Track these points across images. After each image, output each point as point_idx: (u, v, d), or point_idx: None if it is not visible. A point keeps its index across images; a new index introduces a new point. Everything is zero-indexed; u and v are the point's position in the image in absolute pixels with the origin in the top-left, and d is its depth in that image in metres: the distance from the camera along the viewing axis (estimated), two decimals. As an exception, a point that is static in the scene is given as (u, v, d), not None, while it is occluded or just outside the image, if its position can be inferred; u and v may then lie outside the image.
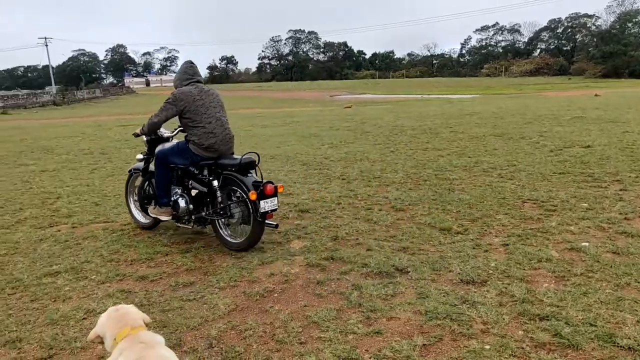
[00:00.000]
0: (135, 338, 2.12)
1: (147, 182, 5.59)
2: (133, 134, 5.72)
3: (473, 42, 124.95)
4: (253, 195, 4.52)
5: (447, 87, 58.01)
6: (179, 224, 5.31)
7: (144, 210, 5.59)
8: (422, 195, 6.53)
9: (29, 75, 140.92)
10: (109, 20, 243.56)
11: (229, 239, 4.95)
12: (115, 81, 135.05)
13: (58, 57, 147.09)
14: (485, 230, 5.04)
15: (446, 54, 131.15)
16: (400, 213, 5.81)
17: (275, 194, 4.69)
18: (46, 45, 79.37)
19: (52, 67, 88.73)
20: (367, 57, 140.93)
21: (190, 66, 5.13)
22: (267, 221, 4.71)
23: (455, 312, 3.35)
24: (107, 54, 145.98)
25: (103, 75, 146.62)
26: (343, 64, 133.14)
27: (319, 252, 4.66)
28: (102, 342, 2.25)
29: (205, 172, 5.00)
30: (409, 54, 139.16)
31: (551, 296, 3.51)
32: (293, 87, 79.34)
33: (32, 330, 3.39)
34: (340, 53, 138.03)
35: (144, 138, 5.50)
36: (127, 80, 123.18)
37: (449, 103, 27.81)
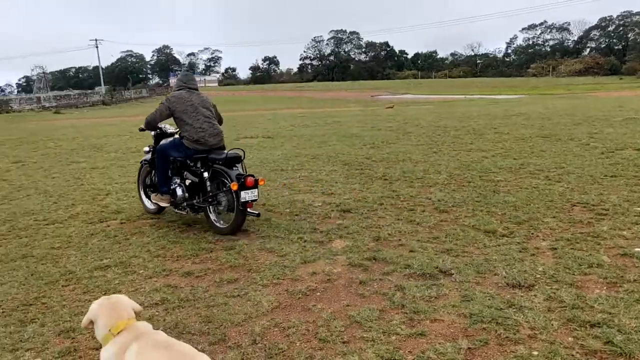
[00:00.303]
0: (134, 328, 2.21)
1: (152, 172, 6.23)
2: (139, 129, 6.44)
3: (519, 41, 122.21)
4: (234, 186, 5.10)
5: (491, 87, 56.88)
6: (176, 210, 5.89)
7: (149, 197, 6.29)
8: (466, 197, 6.42)
9: (80, 76, 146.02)
10: (156, 22, 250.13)
11: (216, 224, 5.50)
12: (160, 81, 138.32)
13: (107, 59, 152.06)
14: (532, 234, 4.92)
15: (490, 54, 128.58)
16: (444, 214, 5.74)
17: (255, 186, 5.20)
18: (97, 47, 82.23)
19: (102, 68, 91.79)
20: (409, 57, 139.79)
21: (185, 74, 6.00)
22: (249, 210, 5.25)
23: (501, 316, 3.28)
24: (153, 55, 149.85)
25: (149, 76, 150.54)
26: (385, 64, 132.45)
27: (361, 252, 4.65)
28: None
29: (198, 165, 5.62)
30: (452, 54, 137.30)
31: (603, 303, 3.40)
32: (334, 87, 79.44)
33: (84, 321, 3.51)
34: (382, 53, 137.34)
35: (152, 133, 6.19)
36: (172, 81, 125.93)
37: (494, 103, 27.26)
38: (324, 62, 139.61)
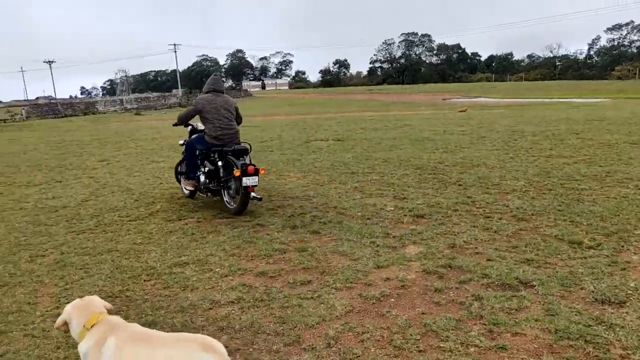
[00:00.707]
0: (107, 321, 2.31)
1: (183, 161, 7.30)
2: (172, 124, 7.56)
3: (603, 42, 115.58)
4: (237, 173, 6.06)
5: (571, 91, 54.14)
6: (200, 193, 7.06)
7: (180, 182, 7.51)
8: (547, 205, 6.12)
9: (159, 79, 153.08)
10: (231, 27, 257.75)
11: (228, 205, 6.53)
12: (233, 84, 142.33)
13: (184, 62, 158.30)
14: (622, 247, 4.61)
15: (571, 55, 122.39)
16: (523, 223, 5.50)
17: (256, 173, 6.12)
18: (175, 52, 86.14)
19: (179, 72, 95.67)
20: (482, 59, 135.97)
21: (214, 79, 7.03)
22: (252, 194, 6.23)
23: (589, 333, 3.09)
24: (227, 59, 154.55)
25: (223, 79, 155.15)
26: (457, 66, 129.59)
27: (436, 259, 4.54)
28: (67, 331, 2.41)
29: (215, 156, 6.63)
30: (528, 56, 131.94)
31: None
32: (404, 90, 78.56)
33: (165, 315, 3.64)
34: (454, 55, 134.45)
35: (187, 128, 7.38)
36: (245, 84, 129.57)
37: (574, 107, 25.94)
38: (394, 65, 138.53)
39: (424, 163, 9.55)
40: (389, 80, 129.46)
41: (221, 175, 6.55)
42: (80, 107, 38.91)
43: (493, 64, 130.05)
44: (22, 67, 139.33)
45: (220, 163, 6.56)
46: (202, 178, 6.77)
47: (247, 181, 6.06)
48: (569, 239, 4.85)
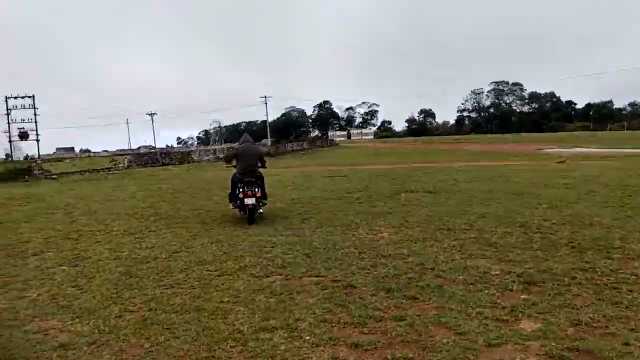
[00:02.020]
0: None
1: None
2: (225, 163, 12.15)
3: None
4: (241, 195, 9.63)
5: (684, 140, 49.81)
6: (239, 212, 10.03)
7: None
8: (687, 276, 5.24)
9: (251, 129, 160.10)
10: (318, 79, 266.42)
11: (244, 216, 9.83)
12: (319, 134, 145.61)
13: (273, 113, 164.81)
14: None
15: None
16: (660, 297, 4.68)
17: (253, 196, 9.52)
18: (265, 104, 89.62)
19: (269, 123, 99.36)
20: (578, 107, 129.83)
21: (245, 136, 10.82)
22: (259, 210, 9.95)
23: None
24: (314, 110, 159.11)
25: (310, 129, 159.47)
26: (550, 115, 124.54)
27: (559, 339, 3.89)
28: None
29: (240, 185, 9.81)
30: (630, 104, 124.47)
31: None
32: (494, 140, 76.21)
33: (251, 392, 3.30)
34: (547, 104, 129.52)
35: (231, 164, 10.71)
36: (331, 134, 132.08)
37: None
38: (482, 114, 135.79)
39: (527, 220, 8.76)
40: (477, 129, 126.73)
41: (256, 194, 9.74)
42: (176, 156, 41.14)
43: (591, 112, 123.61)
44: (127, 119, 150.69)
45: (241, 189, 9.73)
46: (238, 201, 9.84)
47: (247, 201, 9.53)
48: None
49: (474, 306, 4.71)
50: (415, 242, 7.47)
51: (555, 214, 9.25)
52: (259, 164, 10.39)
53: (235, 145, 10.74)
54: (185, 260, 6.99)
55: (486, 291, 5.13)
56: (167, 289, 5.73)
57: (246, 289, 5.59)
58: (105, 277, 6.33)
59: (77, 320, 4.83)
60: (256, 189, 9.65)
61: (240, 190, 9.66)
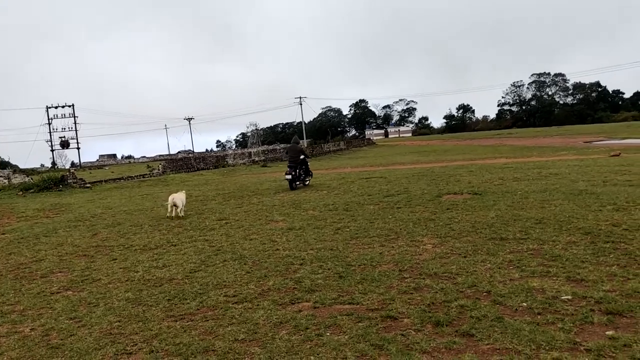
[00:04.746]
0: None
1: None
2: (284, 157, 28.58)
3: None
4: (285, 173, 17.34)
5: None
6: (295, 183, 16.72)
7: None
8: None
9: (286, 130, 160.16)
10: (354, 78, 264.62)
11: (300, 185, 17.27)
12: (357, 133, 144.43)
13: (310, 114, 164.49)
14: None
15: None
16: None
17: (290, 174, 16.70)
18: (300, 105, 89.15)
19: (304, 123, 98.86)
20: (626, 96, 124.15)
21: (295, 137, 18.93)
22: (300, 184, 17.26)
23: None
24: (350, 109, 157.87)
25: (346, 129, 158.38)
26: (596, 106, 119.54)
27: (674, 403, 2.87)
28: None
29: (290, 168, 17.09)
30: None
31: None
32: (537, 133, 73.37)
33: None
34: (593, 94, 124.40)
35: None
36: (368, 132, 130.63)
37: None
38: (524, 107, 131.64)
39: (593, 226, 7.62)
40: (519, 123, 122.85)
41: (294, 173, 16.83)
42: (211, 160, 40.80)
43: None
44: (165, 125, 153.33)
45: (291, 169, 16.85)
46: (289, 177, 16.70)
47: (287, 177, 16.71)
48: None
49: (547, 348, 3.72)
50: (465, 257, 6.47)
51: (625, 217, 8.05)
52: (301, 156, 17.44)
53: (289, 146, 18.31)
54: (202, 283, 6.20)
55: (560, 325, 4.13)
56: (176, 321, 4.94)
57: (266, 321, 4.74)
58: (110, 305, 5.59)
59: (64, 367, 4.09)
60: (294, 171, 16.82)
61: (286, 171, 17.00)
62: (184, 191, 13.26)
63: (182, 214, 12.06)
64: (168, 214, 12.02)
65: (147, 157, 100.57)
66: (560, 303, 4.61)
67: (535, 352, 3.67)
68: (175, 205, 12.00)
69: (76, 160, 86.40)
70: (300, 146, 18.12)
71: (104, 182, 26.82)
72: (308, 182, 17.55)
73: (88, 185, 24.76)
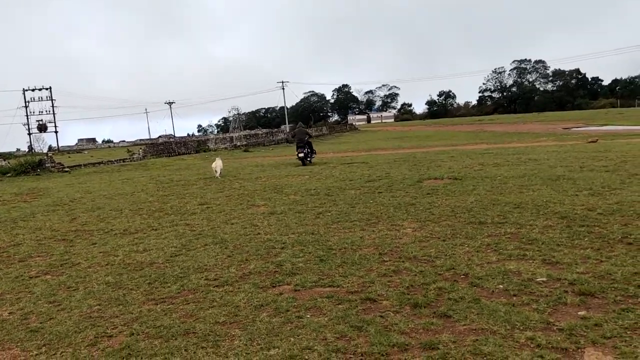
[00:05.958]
0: None
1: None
2: (290, 141, 37.43)
3: None
4: (296, 152, 20.41)
5: None
6: (304, 160, 19.83)
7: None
8: None
9: (268, 115, 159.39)
10: (337, 62, 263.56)
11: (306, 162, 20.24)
12: (339, 118, 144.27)
13: (292, 99, 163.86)
14: None
15: None
16: None
17: (302, 152, 19.87)
18: (283, 89, 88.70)
19: (287, 108, 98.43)
20: (604, 84, 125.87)
21: (300, 123, 26.94)
22: (309, 159, 20.43)
23: None
24: (333, 94, 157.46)
25: (329, 114, 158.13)
26: (576, 93, 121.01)
27: (641, 379, 2.99)
28: None
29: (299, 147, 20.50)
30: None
31: None
32: (518, 119, 74.13)
33: None
34: (572, 81, 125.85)
35: (295, 141, 21.49)
36: (350, 118, 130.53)
37: None
38: (505, 93, 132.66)
39: (569, 210, 7.77)
40: (500, 109, 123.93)
41: (305, 152, 20.04)
42: (192, 145, 40.46)
43: (617, 89, 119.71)
44: (146, 109, 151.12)
45: (301, 149, 20.09)
46: (302, 155, 19.81)
47: (299, 155, 19.81)
48: None
49: (521, 328, 3.82)
50: (444, 240, 6.57)
51: (600, 202, 8.22)
52: (307, 137, 20.63)
53: (295, 130, 22.40)
54: (182, 267, 6.20)
55: (534, 305, 4.23)
56: (157, 304, 4.95)
57: (247, 304, 4.77)
58: (90, 289, 5.57)
59: (43, 349, 4.07)
60: (304, 150, 19.82)
61: (297, 151, 19.95)
62: (220, 157, 18.39)
63: (221, 177, 16.56)
64: (217, 175, 16.67)
65: (127, 142, 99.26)
66: (536, 285, 4.72)
67: (510, 332, 3.76)
68: (220, 167, 16.88)
69: (54, 144, 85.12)
70: (306, 128, 22.44)
71: (83, 167, 26.46)
72: (313, 158, 20.98)
73: (67, 169, 24.41)
